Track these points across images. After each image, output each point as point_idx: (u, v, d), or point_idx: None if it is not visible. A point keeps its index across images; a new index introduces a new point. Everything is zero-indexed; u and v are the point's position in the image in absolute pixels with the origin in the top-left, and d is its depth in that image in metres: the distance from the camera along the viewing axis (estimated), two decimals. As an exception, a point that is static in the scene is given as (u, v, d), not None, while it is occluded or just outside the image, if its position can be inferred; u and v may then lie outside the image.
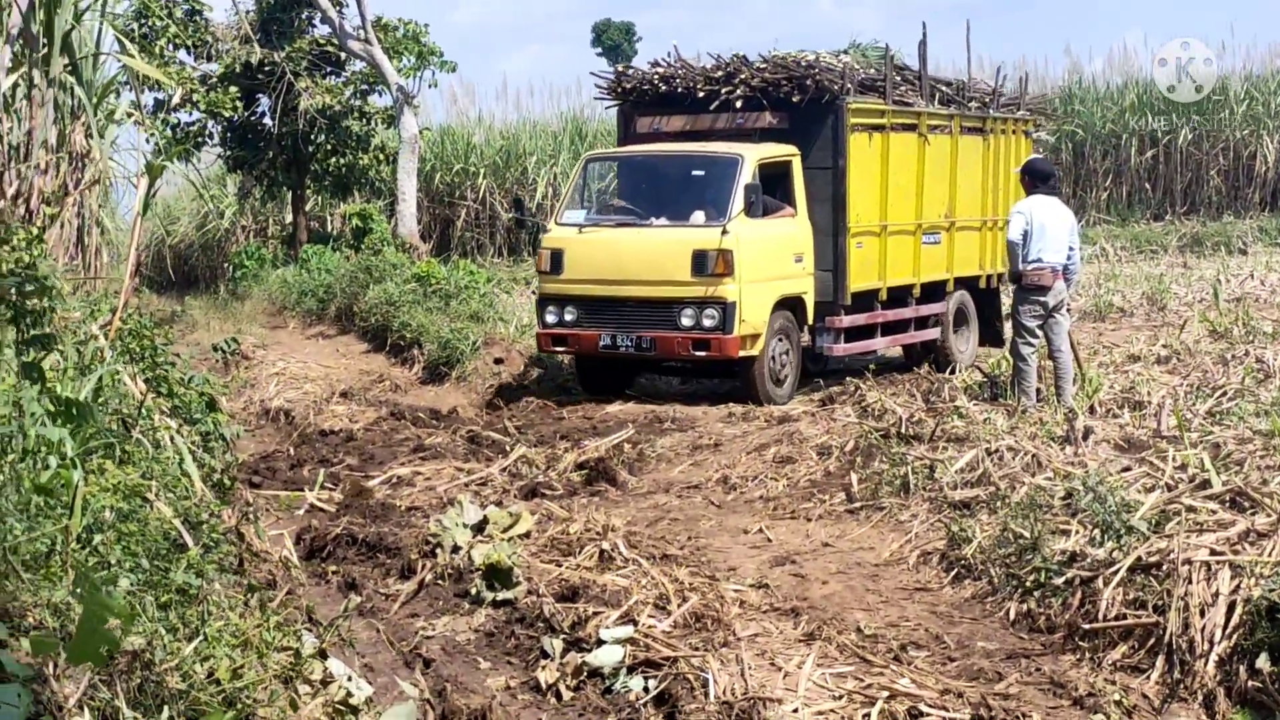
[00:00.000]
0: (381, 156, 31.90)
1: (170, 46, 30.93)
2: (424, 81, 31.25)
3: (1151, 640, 7.52)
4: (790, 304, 17.63)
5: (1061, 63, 73.83)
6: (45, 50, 10.27)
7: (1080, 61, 42.78)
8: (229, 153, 32.58)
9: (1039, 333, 13.83)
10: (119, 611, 4.24)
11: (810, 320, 18.00)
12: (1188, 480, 9.12)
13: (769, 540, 10.55)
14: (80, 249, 13.07)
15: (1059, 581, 8.31)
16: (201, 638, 5.53)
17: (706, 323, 16.70)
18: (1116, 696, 7.07)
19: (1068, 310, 14.33)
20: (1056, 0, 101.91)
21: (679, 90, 18.82)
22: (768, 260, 17.27)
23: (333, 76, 31.88)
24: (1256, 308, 21.31)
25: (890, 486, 11.15)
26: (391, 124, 31.15)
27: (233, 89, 30.51)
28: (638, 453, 13.94)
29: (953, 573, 9.28)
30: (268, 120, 31.87)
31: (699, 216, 17.22)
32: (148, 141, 29.43)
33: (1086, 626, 7.82)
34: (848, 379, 16.29)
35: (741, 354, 16.80)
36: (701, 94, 18.52)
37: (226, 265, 34.63)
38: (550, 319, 17.73)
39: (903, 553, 9.90)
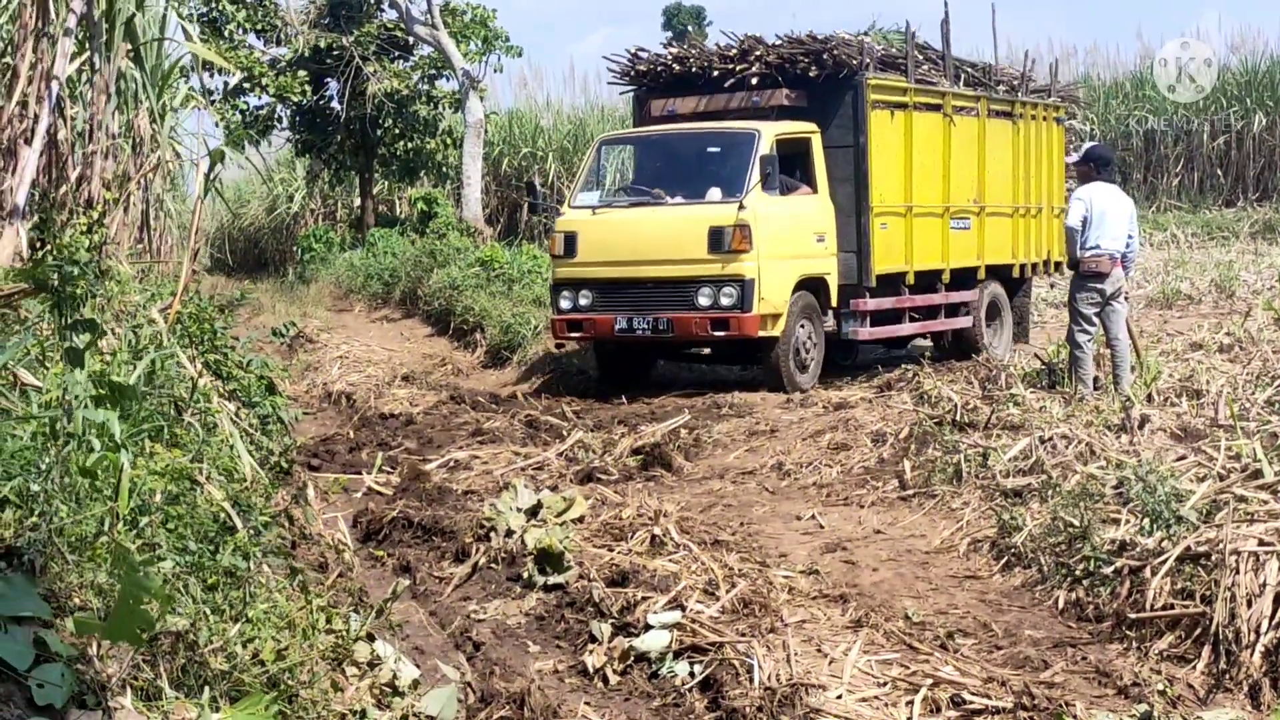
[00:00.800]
0: (448, 140, 32.09)
1: (240, 31, 31.23)
2: (489, 66, 31.37)
3: (1198, 630, 7.49)
4: (813, 286, 17.33)
5: (1133, 47, 73.39)
6: (108, 35, 10.40)
7: (1152, 46, 42.37)
8: (298, 136, 32.88)
9: (1096, 320, 13.74)
10: (156, 592, 4.32)
11: (834, 303, 17.70)
12: (1240, 470, 9.08)
13: (821, 527, 10.57)
14: (145, 233, 13.21)
15: (1108, 570, 8.27)
16: (246, 619, 5.61)
17: (725, 301, 16.47)
18: (1161, 686, 7.05)
19: (1126, 298, 14.26)
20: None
21: (693, 71, 18.54)
22: (787, 238, 17.01)
23: (400, 61, 32.09)
24: (1325, 296, 21.09)
25: (943, 474, 11.12)
26: (458, 108, 31.30)
27: (301, 73, 30.80)
28: (694, 438, 13.96)
29: (1003, 561, 9.26)
30: (336, 104, 32.16)
31: (715, 193, 16.94)
32: (217, 126, 29.77)
33: (1134, 616, 7.80)
34: (904, 366, 16.21)
35: (761, 334, 16.56)
36: (716, 73, 18.25)
37: (295, 249, 34.92)
38: (565, 304, 17.47)
39: (954, 540, 9.89)
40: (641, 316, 16.90)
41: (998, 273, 20.29)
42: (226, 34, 30.64)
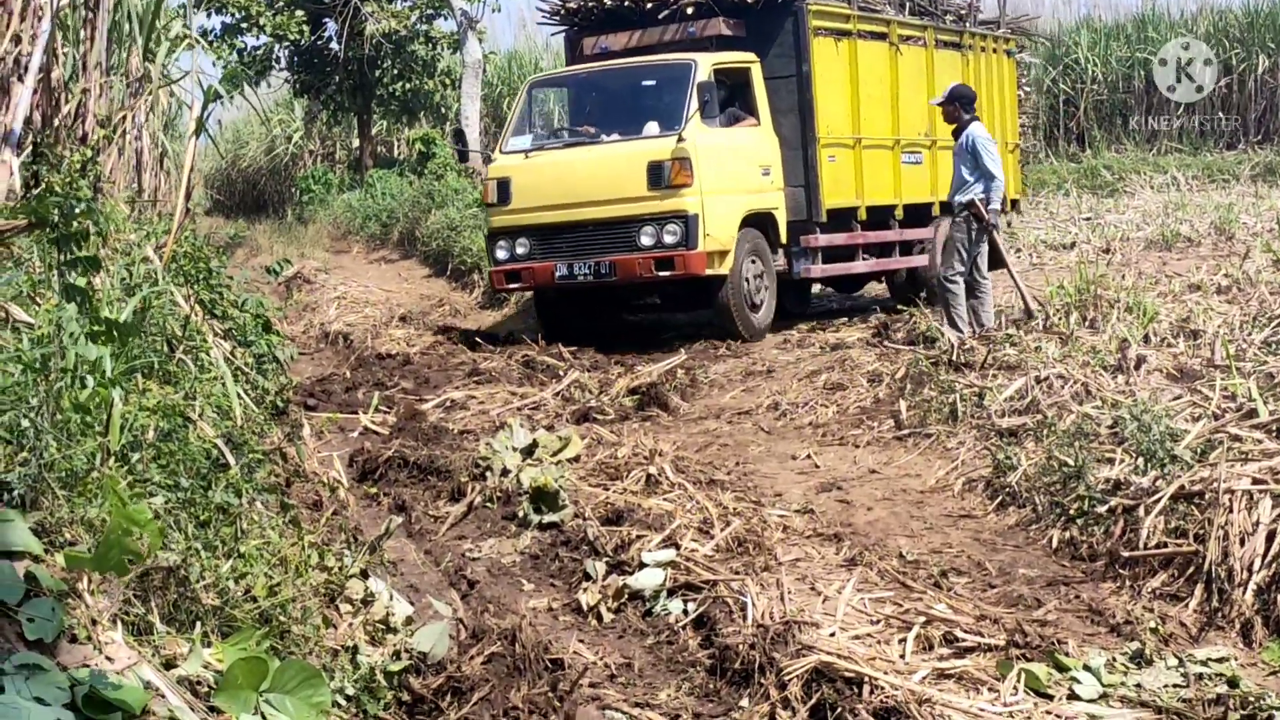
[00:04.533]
0: (447, 81, 31.96)
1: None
2: (488, 6, 31.21)
3: (1191, 569, 7.50)
4: (760, 222, 16.76)
5: (1136, -12, 72.79)
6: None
7: (1156, -13, 42.07)
8: (296, 77, 32.75)
9: None
10: (144, 523, 4.32)
11: (784, 240, 17.15)
12: (1235, 410, 9.08)
13: (816, 466, 10.58)
14: (139, 172, 13.17)
15: (1102, 510, 8.28)
16: (238, 555, 5.62)
17: (668, 239, 15.88)
18: (1153, 624, 7.06)
19: None
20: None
21: (626, 5, 17.92)
22: (731, 171, 16.46)
23: (398, 1, 31.91)
24: (1323, 237, 21.01)
25: (939, 414, 11.12)
26: (457, 49, 31.17)
27: (299, 13, 30.65)
28: (690, 378, 13.97)
29: (997, 500, 9.27)
30: (334, 44, 32.01)
31: (653, 128, 16.40)
32: (214, 65, 29.69)
33: (1127, 554, 7.81)
34: (901, 308, 16.17)
35: (709, 272, 15.96)
36: (649, 5, 17.66)
37: (293, 190, 34.88)
38: (501, 254, 16.82)
39: (948, 480, 9.90)
40: (582, 261, 16.27)
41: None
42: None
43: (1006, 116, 21.13)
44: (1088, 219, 27.59)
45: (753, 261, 16.49)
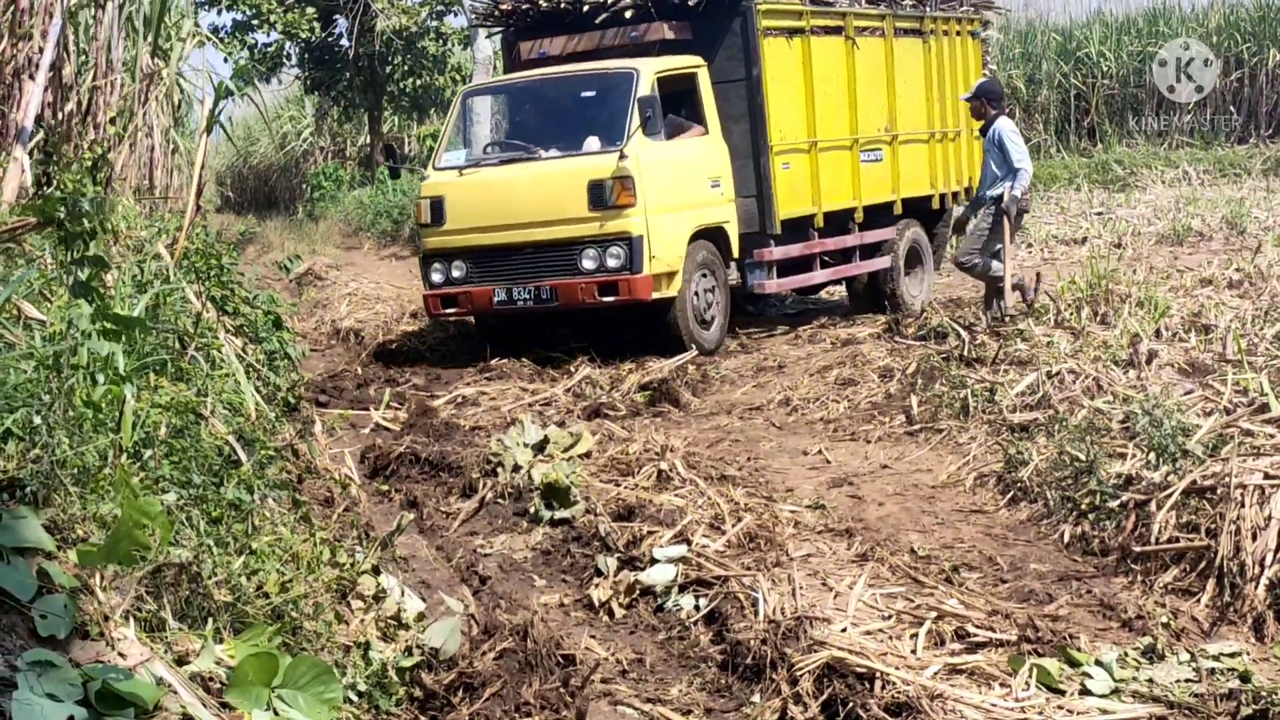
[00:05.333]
0: (458, 77, 32.00)
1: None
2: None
3: (1203, 564, 7.47)
4: (711, 235, 15.80)
5: (1147, -17, 72.67)
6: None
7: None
8: (306, 74, 32.81)
9: None
10: (154, 515, 4.33)
11: (736, 254, 16.19)
12: (1247, 404, 9.07)
13: (828, 462, 10.56)
14: (151, 170, 13.20)
15: (1113, 504, 8.27)
16: (250, 552, 5.63)
17: (611, 263, 14.82)
18: (1165, 619, 7.05)
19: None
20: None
21: (562, 6, 16.79)
22: (678, 186, 15.45)
23: (409, -3, 31.98)
24: (1336, 232, 20.99)
25: (950, 409, 11.11)
26: (467, 45, 31.21)
27: (309, 10, 30.68)
28: (701, 374, 13.96)
29: (1009, 495, 9.25)
30: (345, 41, 32.05)
31: (593, 143, 15.33)
32: (225, 62, 29.76)
33: (1139, 549, 7.79)
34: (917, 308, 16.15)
35: (656, 296, 14.98)
36: (587, 8, 16.54)
37: (304, 186, 34.96)
38: (436, 278, 15.69)
39: (960, 475, 9.88)
40: (522, 286, 15.19)
41: (916, 208, 18.83)
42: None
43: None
44: (1099, 213, 27.53)
45: (703, 276, 15.62)
